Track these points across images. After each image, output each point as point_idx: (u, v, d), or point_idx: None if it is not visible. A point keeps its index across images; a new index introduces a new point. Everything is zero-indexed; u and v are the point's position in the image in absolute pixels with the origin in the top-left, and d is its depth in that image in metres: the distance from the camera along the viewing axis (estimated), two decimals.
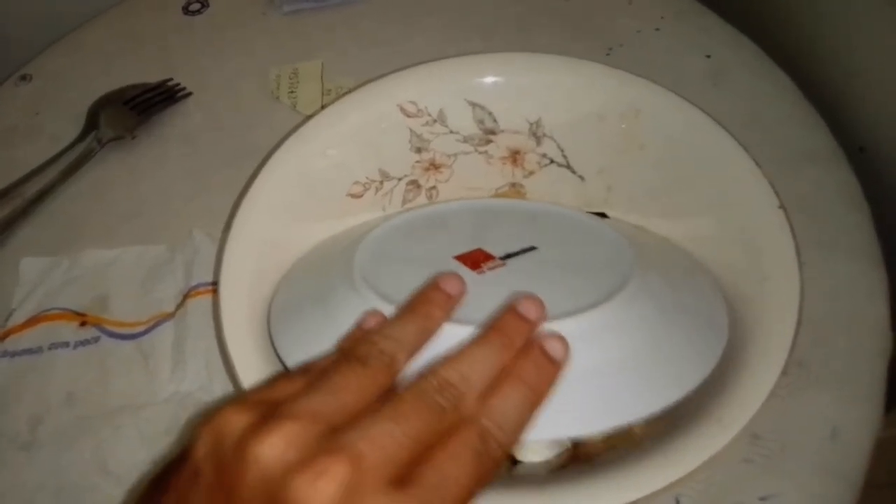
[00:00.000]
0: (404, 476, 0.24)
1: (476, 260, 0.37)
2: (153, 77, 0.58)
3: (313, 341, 0.34)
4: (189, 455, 0.26)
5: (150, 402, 0.42)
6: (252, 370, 0.35)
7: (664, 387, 0.32)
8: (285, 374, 0.29)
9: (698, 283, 0.38)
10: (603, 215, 0.44)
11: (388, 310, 0.33)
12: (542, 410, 0.29)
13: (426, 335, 0.30)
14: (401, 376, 0.28)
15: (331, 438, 0.24)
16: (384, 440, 0.24)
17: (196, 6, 0.64)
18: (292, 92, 0.56)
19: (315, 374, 0.28)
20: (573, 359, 0.30)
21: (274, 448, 0.23)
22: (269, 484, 0.23)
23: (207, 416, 0.26)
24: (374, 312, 0.32)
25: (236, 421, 0.25)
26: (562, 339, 0.30)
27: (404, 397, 0.26)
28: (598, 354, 0.32)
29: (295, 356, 0.34)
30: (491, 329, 0.30)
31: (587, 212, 0.44)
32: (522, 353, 0.29)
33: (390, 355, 0.28)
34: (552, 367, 0.29)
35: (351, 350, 0.28)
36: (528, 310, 0.31)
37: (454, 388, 0.27)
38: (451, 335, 0.30)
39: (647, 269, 0.35)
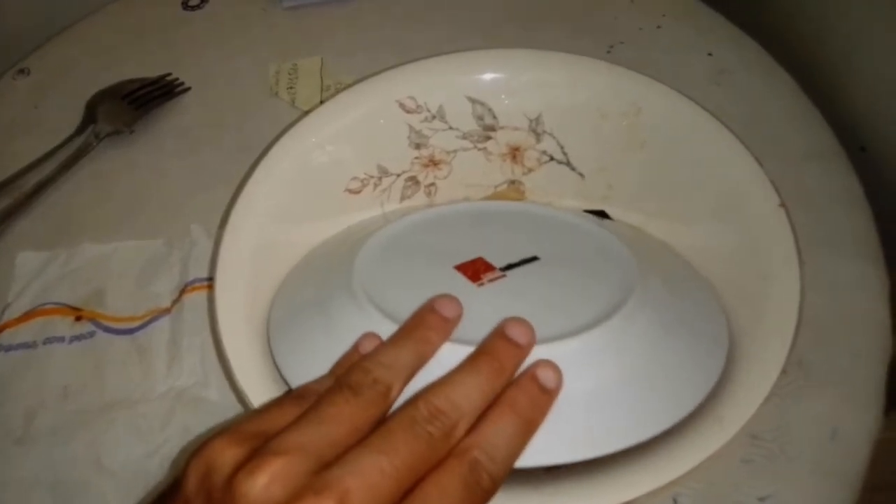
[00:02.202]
0: None
1: (476, 270, 0.37)
2: (152, 72, 0.57)
3: (313, 354, 0.34)
4: (180, 487, 0.25)
5: (145, 398, 0.41)
6: (247, 367, 0.35)
7: (663, 409, 0.31)
8: (277, 401, 0.29)
9: (699, 297, 0.37)
10: (602, 213, 0.44)
11: (389, 325, 0.32)
12: (533, 439, 0.28)
13: (421, 361, 0.30)
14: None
15: (319, 474, 0.24)
16: (372, 474, 0.24)
17: (195, 1, 0.63)
18: (291, 88, 0.56)
19: (307, 402, 0.27)
20: (572, 380, 0.30)
21: (262, 485, 0.23)
22: None
23: (198, 446, 0.26)
24: (371, 335, 0.32)
25: (226, 454, 0.25)
26: (555, 367, 0.30)
27: (393, 427, 0.26)
28: (596, 376, 0.31)
29: (295, 369, 0.34)
30: (480, 354, 0.30)
31: (586, 209, 0.44)
32: (515, 382, 0.29)
33: (385, 384, 0.28)
34: (545, 397, 0.29)
35: (344, 379, 0.28)
36: (518, 334, 0.30)
37: (445, 417, 0.27)
38: (449, 354, 0.30)
39: (647, 285, 0.35)
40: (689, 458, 0.30)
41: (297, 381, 0.33)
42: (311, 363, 0.32)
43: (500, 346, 0.30)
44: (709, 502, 0.35)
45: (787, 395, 0.38)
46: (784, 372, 0.33)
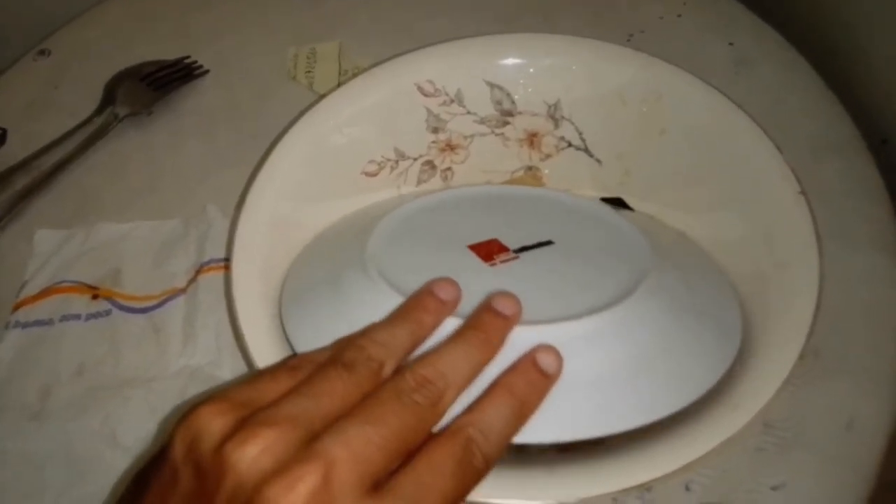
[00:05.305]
0: (382, 482, 0.24)
1: (490, 251, 0.37)
2: (171, 54, 0.57)
3: (324, 328, 0.34)
4: (167, 453, 0.25)
5: (159, 376, 0.42)
6: (263, 346, 0.35)
7: (671, 393, 0.31)
8: (270, 370, 0.28)
9: (713, 285, 0.37)
10: (620, 200, 0.44)
11: (399, 300, 0.32)
12: (541, 416, 0.28)
13: (416, 341, 0.30)
14: None
15: (307, 445, 0.24)
16: (359, 444, 0.24)
17: None
18: (309, 72, 0.56)
19: (301, 373, 0.27)
20: (582, 360, 0.30)
21: (252, 456, 0.23)
22: (244, 492, 0.23)
23: (185, 413, 0.25)
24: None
25: (214, 423, 0.25)
26: (555, 352, 0.30)
27: (380, 397, 0.26)
28: (605, 357, 0.31)
29: (305, 343, 0.34)
30: (467, 327, 0.30)
31: (603, 197, 0.44)
32: (514, 365, 0.29)
33: (378, 361, 0.28)
34: (543, 381, 0.29)
35: (338, 355, 0.28)
36: (504, 306, 0.30)
37: (432, 386, 0.27)
38: (451, 329, 0.30)
39: (662, 271, 0.35)
40: (703, 442, 0.30)
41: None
42: (323, 337, 0.32)
43: (487, 318, 0.30)
44: (721, 489, 0.35)
45: (802, 384, 0.37)
46: (800, 360, 0.32)
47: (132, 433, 0.40)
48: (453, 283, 0.32)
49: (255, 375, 0.28)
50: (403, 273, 0.34)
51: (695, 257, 0.39)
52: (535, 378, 0.29)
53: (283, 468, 0.23)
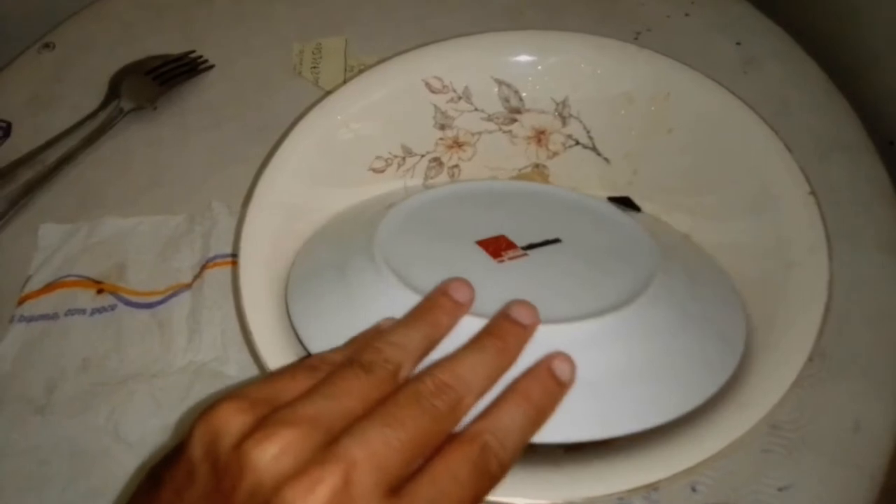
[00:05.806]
0: (400, 485, 0.24)
1: (498, 247, 0.37)
2: (176, 49, 0.57)
3: (329, 315, 0.34)
4: (185, 450, 0.25)
5: (164, 371, 0.42)
6: (270, 341, 0.35)
7: (671, 400, 0.31)
8: (289, 369, 0.28)
9: (718, 290, 0.37)
10: (627, 199, 0.44)
11: (406, 291, 0.32)
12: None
13: (432, 343, 0.30)
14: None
15: (327, 446, 0.24)
16: (378, 446, 0.24)
17: None
18: (315, 67, 0.55)
19: (319, 374, 0.27)
20: (589, 361, 0.30)
21: (272, 456, 0.23)
22: (263, 492, 0.23)
23: (204, 410, 0.25)
24: (393, 320, 0.32)
25: (234, 422, 0.25)
26: (570, 361, 0.30)
27: (399, 401, 0.26)
28: (609, 359, 0.31)
29: (309, 328, 0.34)
30: (485, 334, 0.30)
31: (611, 196, 0.44)
32: (530, 371, 0.29)
33: (396, 363, 0.28)
34: (558, 388, 0.29)
35: (356, 356, 0.28)
36: (522, 315, 0.31)
37: (451, 391, 0.27)
38: (468, 327, 0.30)
39: (670, 274, 0.35)
40: (711, 444, 0.30)
41: (311, 340, 0.34)
42: (327, 323, 0.32)
43: (505, 326, 0.30)
44: (727, 491, 0.35)
45: (809, 386, 0.37)
46: (807, 362, 0.32)
47: (136, 428, 0.40)
48: (468, 284, 0.32)
49: (273, 374, 0.28)
50: (411, 264, 0.34)
51: (700, 262, 0.39)
52: (550, 385, 0.29)
53: (302, 469, 0.23)
